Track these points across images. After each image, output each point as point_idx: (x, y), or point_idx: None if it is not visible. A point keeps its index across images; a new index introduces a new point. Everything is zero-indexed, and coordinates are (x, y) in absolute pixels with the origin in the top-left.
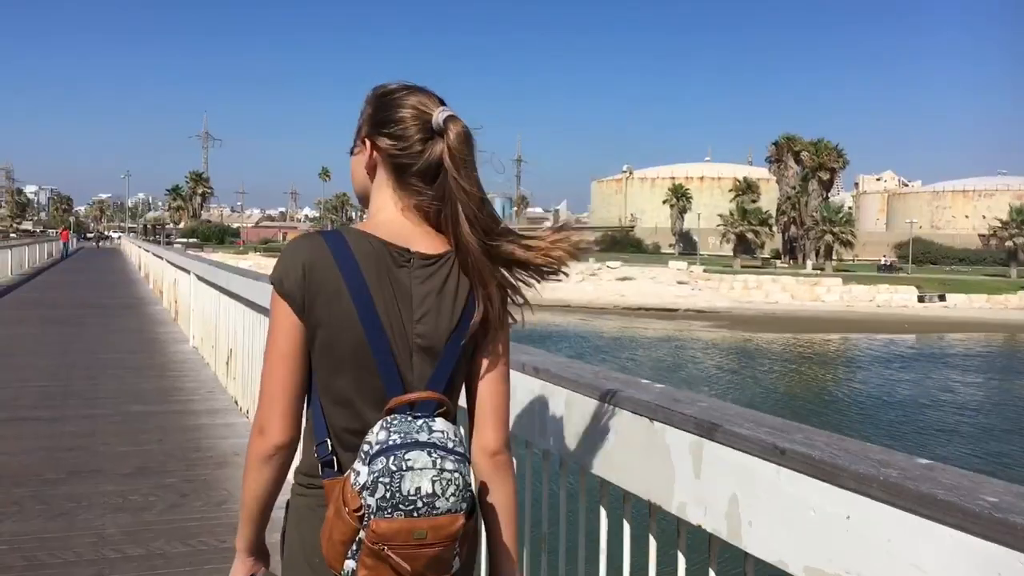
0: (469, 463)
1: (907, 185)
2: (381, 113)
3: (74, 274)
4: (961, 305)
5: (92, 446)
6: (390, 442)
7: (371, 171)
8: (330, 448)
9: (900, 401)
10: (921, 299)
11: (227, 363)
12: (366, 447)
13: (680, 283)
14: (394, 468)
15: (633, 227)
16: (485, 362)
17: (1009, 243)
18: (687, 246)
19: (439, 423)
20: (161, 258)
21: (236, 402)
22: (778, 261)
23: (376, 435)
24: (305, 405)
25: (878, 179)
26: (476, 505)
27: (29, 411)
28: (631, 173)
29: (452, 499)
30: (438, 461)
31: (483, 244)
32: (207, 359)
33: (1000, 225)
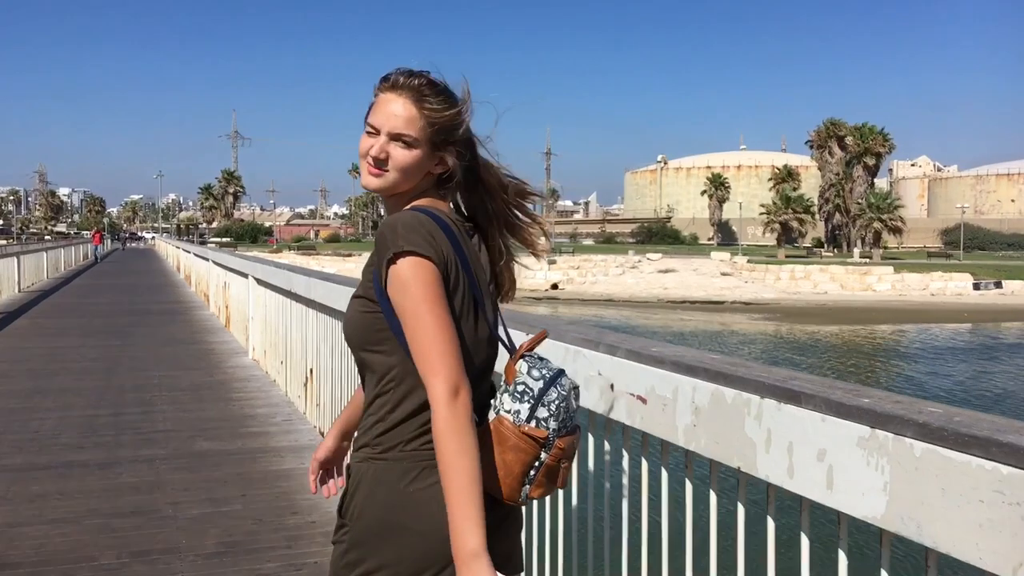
0: None
1: (942, 170)
2: (463, 118)
3: (112, 277)
4: (1019, 292)
5: (157, 507)
6: (546, 376)
7: (442, 171)
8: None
9: (977, 395)
10: (977, 286)
11: (305, 385)
12: (520, 387)
13: (724, 274)
14: (564, 393)
15: (670, 218)
16: None
17: None
18: (726, 236)
19: (546, 355)
20: (207, 259)
21: (323, 435)
22: (822, 250)
23: (529, 374)
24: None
25: (913, 164)
26: None
27: (74, 452)
28: (666, 163)
29: (576, 415)
30: (571, 381)
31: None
32: (273, 376)
33: None
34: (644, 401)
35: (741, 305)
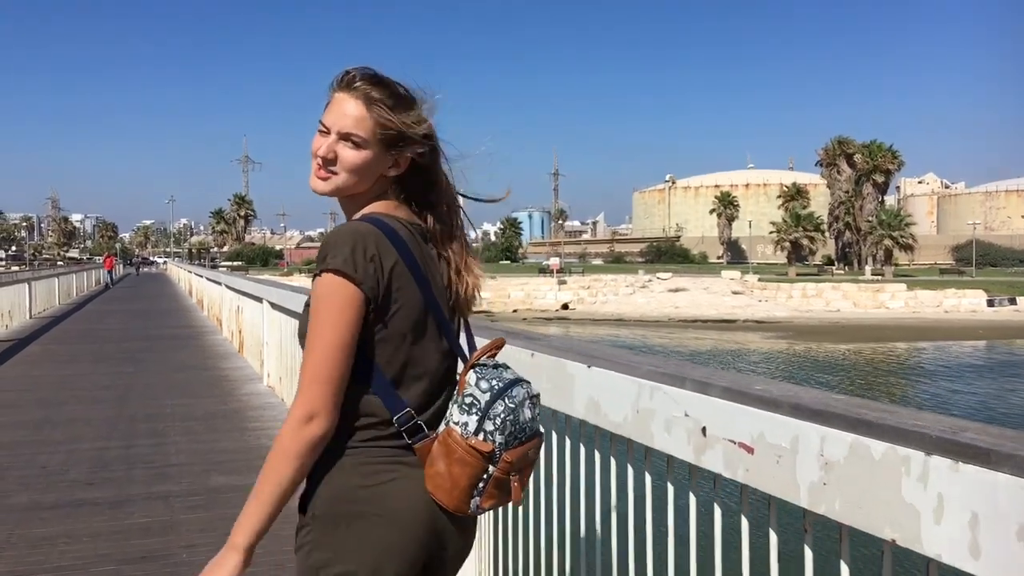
0: None
1: (949, 187)
2: (423, 118)
3: (124, 302)
4: None
5: (171, 551)
6: (495, 387)
7: (396, 171)
8: (412, 416)
9: (996, 415)
10: (991, 303)
11: None
12: (469, 399)
13: (735, 293)
14: (512, 407)
15: (679, 237)
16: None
17: None
18: (735, 255)
19: (504, 363)
20: (219, 283)
21: None
22: (833, 268)
23: (477, 386)
24: (358, 387)
25: (920, 182)
26: None
27: (83, 490)
28: (674, 183)
29: (538, 419)
30: (528, 390)
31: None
32: (289, 403)
33: None
34: (750, 451)
35: (754, 324)
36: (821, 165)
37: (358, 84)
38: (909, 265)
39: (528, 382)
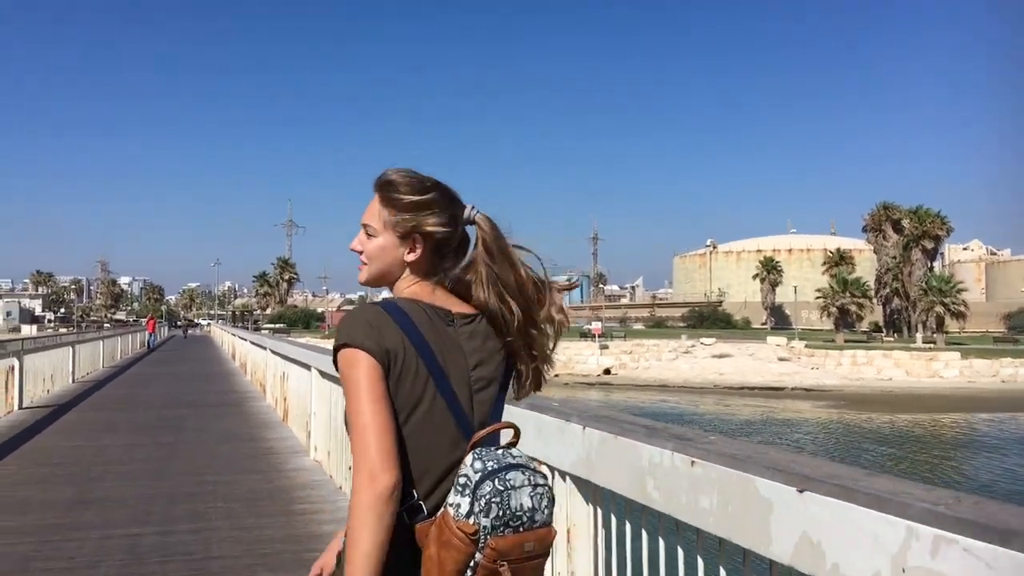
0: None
1: (996, 254)
2: (443, 203)
3: (166, 365)
4: None
5: None
6: (488, 468)
7: (414, 257)
8: (416, 496)
9: None
10: None
11: None
12: (463, 480)
13: (782, 360)
14: (501, 488)
15: (721, 302)
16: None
17: None
18: (779, 320)
19: (515, 450)
20: (263, 347)
21: None
22: (882, 335)
23: (472, 466)
24: None
25: (965, 248)
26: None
27: None
28: (715, 247)
29: (547, 511)
30: (531, 477)
31: (522, 313)
32: (339, 481)
33: None
34: None
35: (803, 392)
36: (867, 231)
37: (377, 180)
38: (960, 333)
39: (535, 471)
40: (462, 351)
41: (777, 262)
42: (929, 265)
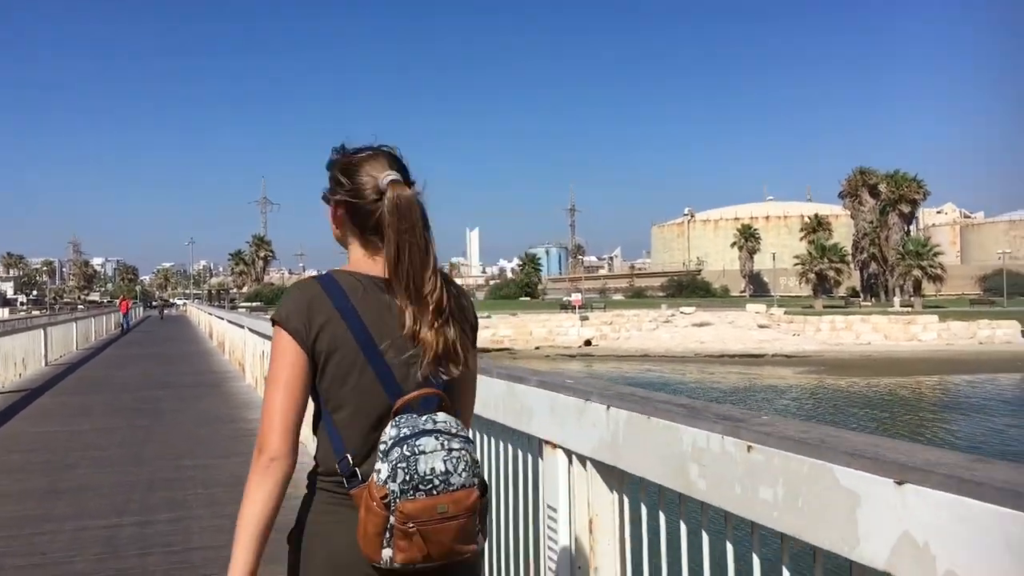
0: (473, 446)
1: (969, 217)
2: (343, 178)
3: (141, 346)
4: None
5: None
6: (401, 434)
7: (340, 226)
8: (350, 461)
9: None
10: None
11: None
12: (382, 446)
13: (762, 327)
14: (408, 454)
15: (700, 271)
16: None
17: None
18: (758, 288)
19: (441, 415)
20: (241, 326)
21: None
22: (860, 300)
23: (388, 433)
24: (320, 427)
25: (939, 212)
26: (487, 485)
27: None
28: (693, 216)
29: (464, 475)
30: (445, 443)
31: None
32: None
33: None
34: None
35: (783, 358)
36: (843, 196)
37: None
38: (936, 296)
39: (454, 435)
40: (392, 317)
41: (755, 229)
42: (906, 229)
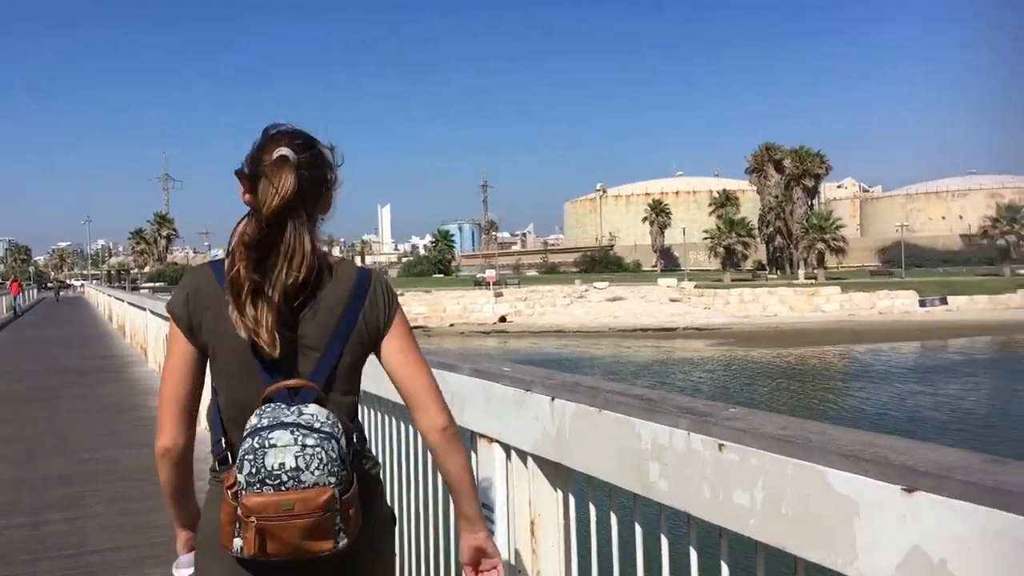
0: (338, 443)
1: (868, 191)
2: (252, 154)
3: (36, 329)
4: (964, 307)
5: None
6: (259, 425)
7: (246, 203)
8: (223, 445)
9: (923, 415)
10: (923, 303)
11: None
12: (244, 434)
13: (673, 301)
14: (257, 446)
15: (612, 246)
16: (392, 358)
17: (1000, 241)
18: (669, 262)
19: (311, 407)
20: (143, 308)
21: None
22: (766, 272)
23: (251, 422)
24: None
25: (839, 186)
26: (355, 485)
27: None
28: (605, 192)
29: (318, 472)
30: (300, 438)
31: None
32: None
33: (990, 223)
34: None
35: (694, 331)
36: (750, 171)
37: None
38: (838, 268)
39: (313, 430)
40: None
41: (665, 205)
42: (809, 203)
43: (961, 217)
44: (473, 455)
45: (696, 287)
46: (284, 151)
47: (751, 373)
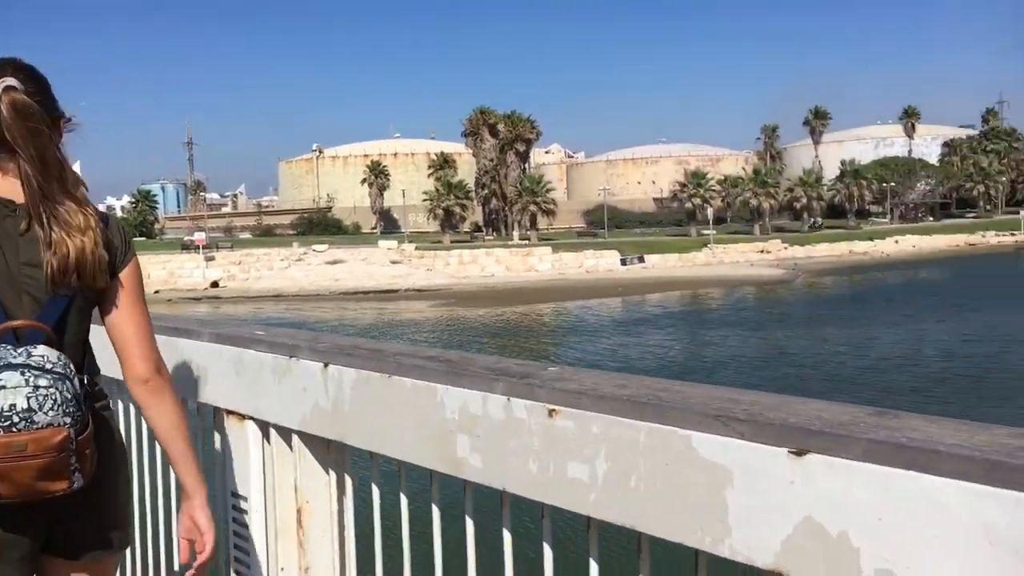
0: (72, 383)
1: (573, 156)
2: None
3: None
4: (658, 265)
5: None
6: None
7: None
8: None
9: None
10: (624, 262)
11: None
12: None
13: (394, 263)
14: None
15: (330, 208)
16: (110, 306)
17: (688, 204)
18: (389, 225)
19: (41, 348)
20: None
21: None
22: (483, 234)
23: None
24: None
25: (547, 152)
26: (91, 425)
27: None
28: (321, 152)
29: (52, 413)
30: (31, 379)
31: (44, 205)
32: None
33: (679, 188)
34: None
35: (415, 292)
36: (466, 135)
37: None
38: (548, 229)
39: (45, 371)
40: (16, 246)
41: (384, 167)
42: (522, 167)
43: (654, 182)
44: (217, 436)
45: (416, 249)
46: (10, 80)
47: (475, 331)
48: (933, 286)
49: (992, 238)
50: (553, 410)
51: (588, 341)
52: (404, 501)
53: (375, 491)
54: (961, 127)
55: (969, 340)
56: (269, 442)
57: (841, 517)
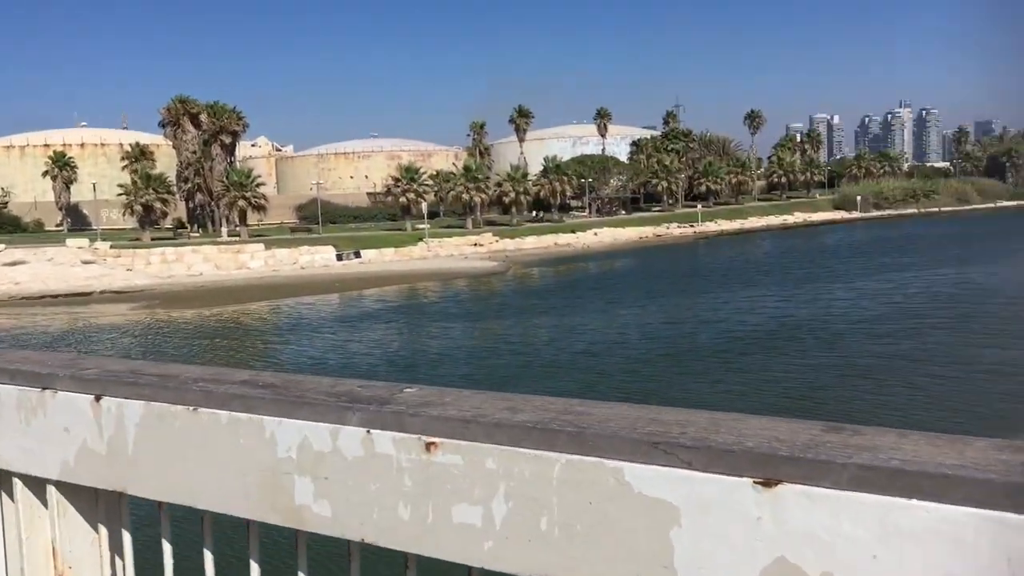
0: None
1: (281, 150)
2: None
3: None
4: (375, 260)
5: None
6: None
7: None
8: None
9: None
10: (340, 257)
11: None
12: None
13: (87, 263)
14: None
15: (6, 204)
16: None
17: (402, 199)
18: (78, 221)
19: None
20: None
21: None
22: (188, 230)
23: None
24: None
25: (254, 145)
26: None
27: None
28: None
29: None
30: None
31: None
32: None
33: (393, 182)
34: None
35: (113, 295)
36: (164, 125)
37: None
38: (259, 225)
39: None
40: None
41: (70, 158)
42: (229, 160)
43: (367, 176)
44: None
45: (112, 247)
46: None
47: (183, 334)
48: (629, 274)
49: (675, 229)
50: (431, 443)
51: (312, 338)
52: (209, 558)
53: (166, 548)
54: (645, 128)
55: (668, 323)
56: (13, 499)
57: (825, 557)
